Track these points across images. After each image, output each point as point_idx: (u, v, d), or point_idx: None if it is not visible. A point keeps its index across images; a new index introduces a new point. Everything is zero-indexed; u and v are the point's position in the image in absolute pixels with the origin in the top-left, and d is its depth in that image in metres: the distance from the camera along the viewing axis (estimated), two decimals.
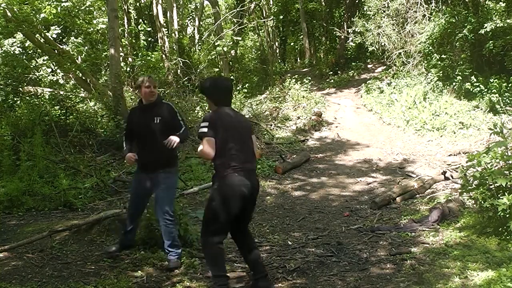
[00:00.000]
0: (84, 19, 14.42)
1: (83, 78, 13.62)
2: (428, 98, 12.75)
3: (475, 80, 11.73)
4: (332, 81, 19.84)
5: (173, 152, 4.22)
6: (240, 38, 19.27)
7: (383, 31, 15.65)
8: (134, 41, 18.73)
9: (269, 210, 6.37)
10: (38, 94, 11.97)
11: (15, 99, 11.76)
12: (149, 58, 15.54)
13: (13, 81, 12.21)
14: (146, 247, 4.51)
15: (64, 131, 9.32)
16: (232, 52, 19.01)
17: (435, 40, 13.29)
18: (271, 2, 26.36)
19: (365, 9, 17.30)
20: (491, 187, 4.47)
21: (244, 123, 3.70)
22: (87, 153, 8.70)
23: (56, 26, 13.72)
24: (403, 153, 9.55)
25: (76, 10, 13.96)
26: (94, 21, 14.46)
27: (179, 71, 17.04)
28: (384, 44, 15.82)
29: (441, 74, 12.98)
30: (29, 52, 14.24)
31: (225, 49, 16.30)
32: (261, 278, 3.56)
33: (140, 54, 15.99)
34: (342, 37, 21.74)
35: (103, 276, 3.98)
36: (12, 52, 12.84)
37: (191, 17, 28.10)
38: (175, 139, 4.07)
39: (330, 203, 6.69)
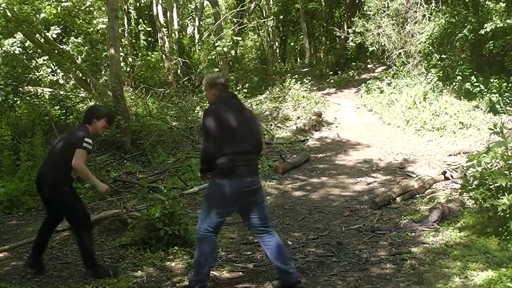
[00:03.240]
0: (84, 19, 14.42)
1: (83, 78, 13.62)
2: (428, 98, 12.75)
3: (475, 80, 11.73)
4: (332, 81, 19.84)
5: None
6: (240, 38, 19.27)
7: (383, 31, 15.65)
8: (134, 41, 18.74)
9: (269, 210, 6.36)
10: (38, 94, 11.98)
11: (15, 99, 11.77)
12: (149, 58, 15.57)
13: (13, 81, 12.21)
14: (146, 247, 4.51)
15: (64, 131, 9.31)
16: (232, 52, 19.00)
17: (435, 40, 13.29)
18: (271, 2, 26.36)
19: (365, 9, 17.31)
20: (491, 187, 4.47)
21: None
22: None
23: (56, 26, 13.73)
24: (403, 153, 9.56)
25: (76, 10, 13.96)
26: (94, 21, 14.46)
27: (179, 71, 17.07)
28: (384, 44, 15.83)
29: (441, 74, 12.99)
30: (29, 52, 14.25)
31: (225, 49, 16.31)
32: None
33: (140, 54, 16.02)
34: (342, 37, 21.75)
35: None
36: (12, 52, 12.84)
37: (191, 17, 28.12)
38: None
39: (330, 203, 6.68)
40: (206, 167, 3.50)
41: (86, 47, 15.02)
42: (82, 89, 13.75)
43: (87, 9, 14.24)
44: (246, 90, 16.43)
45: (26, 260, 4.13)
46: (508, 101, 10.76)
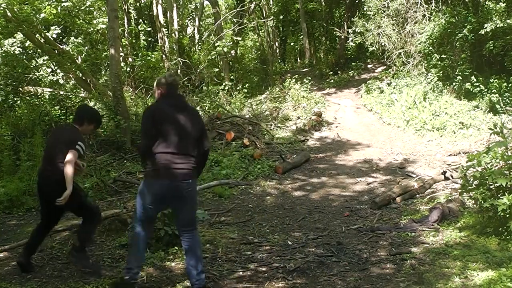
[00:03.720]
0: (84, 19, 14.43)
1: (83, 78, 13.62)
2: (428, 98, 12.75)
3: (475, 80, 11.73)
4: (332, 81, 19.84)
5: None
6: (240, 38, 19.27)
7: (383, 31, 15.65)
8: (134, 41, 18.72)
9: (269, 210, 6.37)
10: (38, 94, 11.98)
11: (15, 99, 11.78)
12: (149, 58, 15.55)
13: (13, 81, 12.22)
14: (146, 247, 4.50)
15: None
16: (232, 52, 19.00)
17: (435, 40, 13.29)
18: (271, 2, 26.36)
19: (365, 9, 17.31)
20: (491, 187, 4.47)
21: None
22: (87, 153, 8.70)
23: (56, 26, 13.73)
24: (403, 153, 9.55)
25: (76, 10, 13.97)
26: (94, 21, 14.46)
27: (179, 71, 17.03)
28: (384, 44, 15.83)
29: (441, 74, 12.99)
30: (29, 52, 14.25)
31: (225, 49, 16.30)
32: None
33: (140, 54, 16.00)
34: (342, 37, 21.75)
35: (103, 276, 3.98)
36: (12, 52, 12.84)
37: (191, 17, 28.08)
38: None
39: (330, 203, 6.69)
40: (143, 163, 3.68)
41: (86, 47, 15.02)
42: (82, 89, 13.75)
43: (87, 9, 14.25)
44: (246, 90, 16.42)
45: (17, 259, 4.17)
46: (508, 101, 10.76)
